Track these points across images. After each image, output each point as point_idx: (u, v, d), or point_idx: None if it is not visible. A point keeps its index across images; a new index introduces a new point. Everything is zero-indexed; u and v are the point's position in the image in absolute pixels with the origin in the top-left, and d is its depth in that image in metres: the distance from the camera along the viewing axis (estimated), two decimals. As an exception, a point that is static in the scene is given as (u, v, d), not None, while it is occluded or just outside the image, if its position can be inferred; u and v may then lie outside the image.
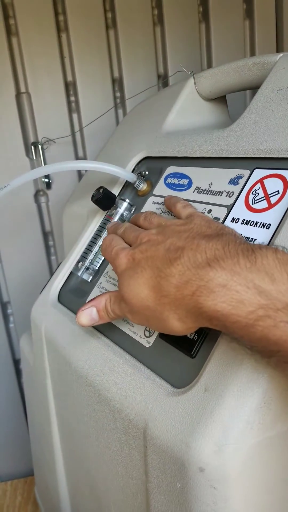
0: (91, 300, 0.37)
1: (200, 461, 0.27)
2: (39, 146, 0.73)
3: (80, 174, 0.79)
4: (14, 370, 0.86)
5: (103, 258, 0.50)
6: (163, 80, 0.76)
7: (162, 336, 0.36)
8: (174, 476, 0.30)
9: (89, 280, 0.50)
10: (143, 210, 0.49)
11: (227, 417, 0.28)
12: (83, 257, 0.51)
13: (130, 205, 0.51)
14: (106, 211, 0.52)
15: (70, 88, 0.74)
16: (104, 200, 0.50)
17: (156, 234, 0.35)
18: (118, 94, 0.76)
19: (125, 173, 0.51)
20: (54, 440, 0.53)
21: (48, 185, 0.77)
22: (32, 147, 0.74)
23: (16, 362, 0.86)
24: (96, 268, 0.50)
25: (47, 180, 0.76)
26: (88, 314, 0.36)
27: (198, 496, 0.28)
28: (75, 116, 0.75)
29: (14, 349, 0.85)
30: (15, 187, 0.51)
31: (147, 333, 0.38)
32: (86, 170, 0.77)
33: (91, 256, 0.50)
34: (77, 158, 0.77)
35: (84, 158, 0.77)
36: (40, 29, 0.70)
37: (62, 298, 0.52)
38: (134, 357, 0.38)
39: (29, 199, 0.77)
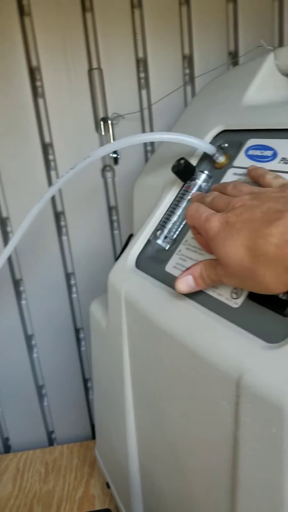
0: (187, 268, 0.40)
1: (300, 407, 0.29)
2: (109, 122, 0.75)
3: (146, 150, 0.80)
4: (75, 338, 0.90)
5: (181, 227, 0.52)
6: (233, 59, 0.76)
7: (251, 297, 0.38)
8: (269, 422, 0.31)
9: (166, 248, 0.52)
10: (222, 181, 0.50)
11: None
12: (162, 226, 0.53)
13: (209, 176, 0.52)
14: (184, 182, 0.54)
15: (140, 64, 0.76)
16: (185, 171, 0.52)
17: (251, 199, 0.36)
18: (187, 72, 0.77)
19: (205, 145, 0.52)
20: (126, 399, 0.56)
21: (116, 161, 0.79)
22: (102, 122, 0.76)
23: (77, 331, 0.90)
24: (174, 237, 0.52)
25: (115, 155, 0.78)
26: (186, 282, 0.39)
27: (296, 441, 0.30)
28: (144, 92, 0.77)
29: (75, 319, 0.89)
30: (97, 157, 0.54)
31: (234, 295, 0.40)
32: (153, 145, 0.79)
33: (169, 225, 0.52)
34: (144, 130, 0.79)
35: (151, 130, 0.79)
36: (114, 5, 0.71)
37: (139, 264, 0.54)
38: (222, 317, 0.39)
39: (97, 174, 0.80)
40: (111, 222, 0.85)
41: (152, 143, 0.80)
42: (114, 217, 0.85)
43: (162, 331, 0.44)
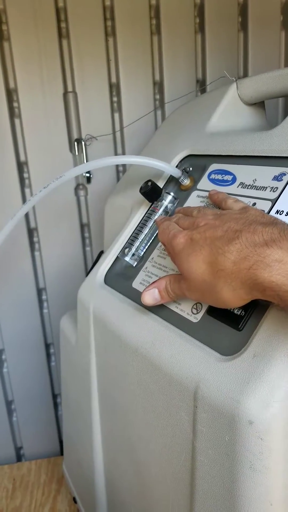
0: (153, 282, 0.42)
1: (250, 415, 0.32)
2: (82, 143, 0.78)
3: (118, 170, 0.83)
4: (45, 354, 0.90)
5: (148, 245, 0.54)
6: (201, 87, 0.80)
7: (209, 312, 0.41)
8: (223, 430, 0.34)
9: (134, 265, 0.54)
10: (187, 203, 0.53)
11: (275, 378, 0.32)
12: (130, 243, 0.55)
13: (174, 198, 0.55)
14: (152, 203, 0.56)
15: (113, 89, 0.79)
16: (152, 192, 0.54)
17: (214, 219, 0.39)
18: (157, 97, 0.81)
19: (171, 168, 0.55)
20: (93, 413, 0.57)
21: (89, 180, 0.81)
22: (75, 143, 0.79)
23: (47, 346, 0.91)
24: (141, 254, 0.54)
25: (88, 175, 0.81)
26: (151, 294, 0.42)
27: (246, 447, 0.32)
28: (116, 115, 0.80)
29: (46, 334, 0.90)
30: (69, 178, 0.56)
31: (194, 310, 0.42)
32: (124, 166, 0.82)
33: (137, 243, 0.55)
34: (117, 155, 0.82)
35: (123, 152, 0.82)
36: (89, 33, 0.75)
37: (108, 280, 0.56)
38: (182, 331, 0.42)
39: (70, 192, 0.82)
40: (83, 239, 0.87)
41: (123, 164, 0.83)
42: (86, 234, 0.87)
43: (127, 344, 0.46)
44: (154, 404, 0.43)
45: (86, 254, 0.88)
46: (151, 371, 0.42)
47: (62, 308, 0.86)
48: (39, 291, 0.88)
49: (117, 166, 0.83)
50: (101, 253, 0.70)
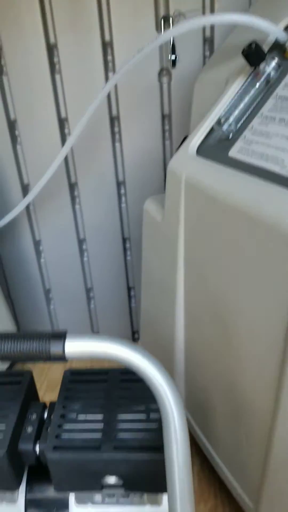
0: None
1: None
2: (170, 19, 0.73)
3: (204, 55, 0.78)
4: (122, 248, 0.93)
5: (248, 114, 0.51)
6: None
7: None
8: None
9: (230, 137, 0.52)
10: (292, 69, 0.49)
11: None
12: (227, 113, 0.53)
13: (278, 65, 0.51)
14: (252, 69, 0.53)
15: None
16: (256, 54, 0.51)
17: None
18: None
19: (277, 30, 0.50)
20: (178, 284, 0.59)
21: (173, 63, 0.78)
22: (162, 21, 0.74)
23: (124, 241, 0.93)
24: (239, 124, 0.52)
25: (174, 57, 0.77)
26: None
27: None
28: (207, -11, 0.74)
29: (124, 228, 0.92)
30: (164, 40, 0.53)
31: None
32: (212, 50, 0.77)
33: (236, 112, 0.52)
34: (205, 33, 0.76)
35: (212, 34, 0.76)
36: None
37: (201, 152, 0.55)
38: (289, 187, 0.40)
39: (153, 77, 0.79)
40: (163, 131, 0.85)
41: (211, 48, 0.78)
42: (167, 127, 0.85)
43: (225, 205, 0.45)
44: (251, 263, 0.43)
45: (165, 148, 0.86)
46: (252, 228, 0.42)
47: (139, 202, 0.87)
48: (118, 185, 0.88)
49: (203, 50, 0.78)
50: (185, 138, 0.68)
